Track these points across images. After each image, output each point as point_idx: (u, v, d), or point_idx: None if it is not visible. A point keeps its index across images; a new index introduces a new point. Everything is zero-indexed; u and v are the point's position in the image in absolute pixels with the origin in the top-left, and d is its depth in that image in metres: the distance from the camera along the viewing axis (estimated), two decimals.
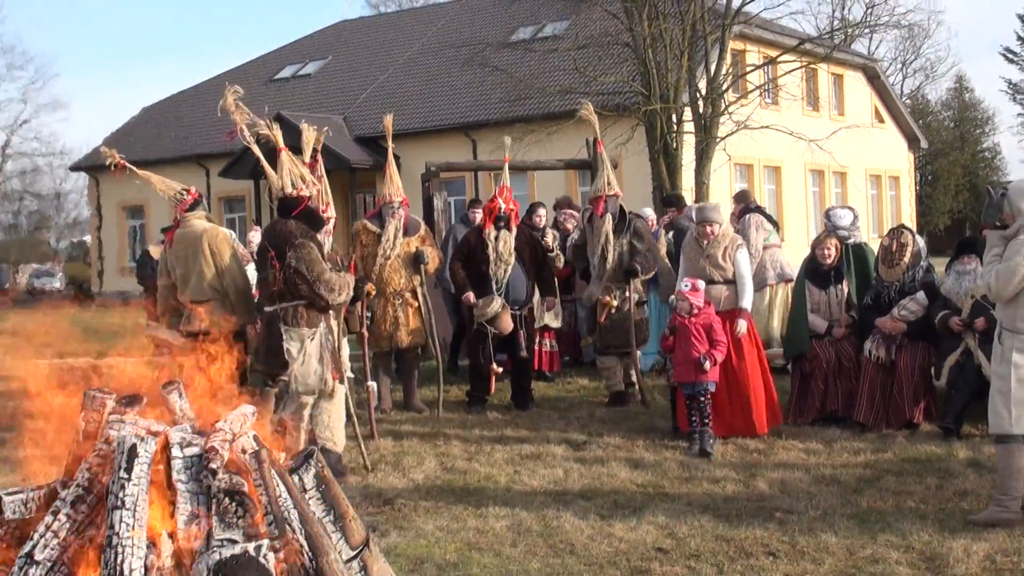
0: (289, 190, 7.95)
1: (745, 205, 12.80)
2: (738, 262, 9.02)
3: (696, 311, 8.54)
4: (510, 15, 29.14)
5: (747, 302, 9.01)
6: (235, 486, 3.09)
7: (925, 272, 9.25)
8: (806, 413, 9.29)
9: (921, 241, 9.55)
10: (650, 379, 11.23)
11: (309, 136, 8.27)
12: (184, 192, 9.00)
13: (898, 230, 9.55)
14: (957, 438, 8.39)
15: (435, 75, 32.30)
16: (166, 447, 3.23)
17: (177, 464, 3.20)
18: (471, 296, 10.27)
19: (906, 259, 9.17)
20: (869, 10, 26.40)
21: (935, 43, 79.05)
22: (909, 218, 37.39)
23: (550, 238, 11.81)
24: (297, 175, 8.02)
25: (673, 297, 9.13)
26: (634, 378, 10.57)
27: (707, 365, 8.40)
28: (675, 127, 22.10)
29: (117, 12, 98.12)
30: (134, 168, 8.87)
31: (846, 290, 9.63)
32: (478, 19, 34.30)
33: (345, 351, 9.13)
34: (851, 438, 8.54)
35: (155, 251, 11.90)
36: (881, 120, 36.58)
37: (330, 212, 9.04)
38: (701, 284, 8.69)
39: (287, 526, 3.09)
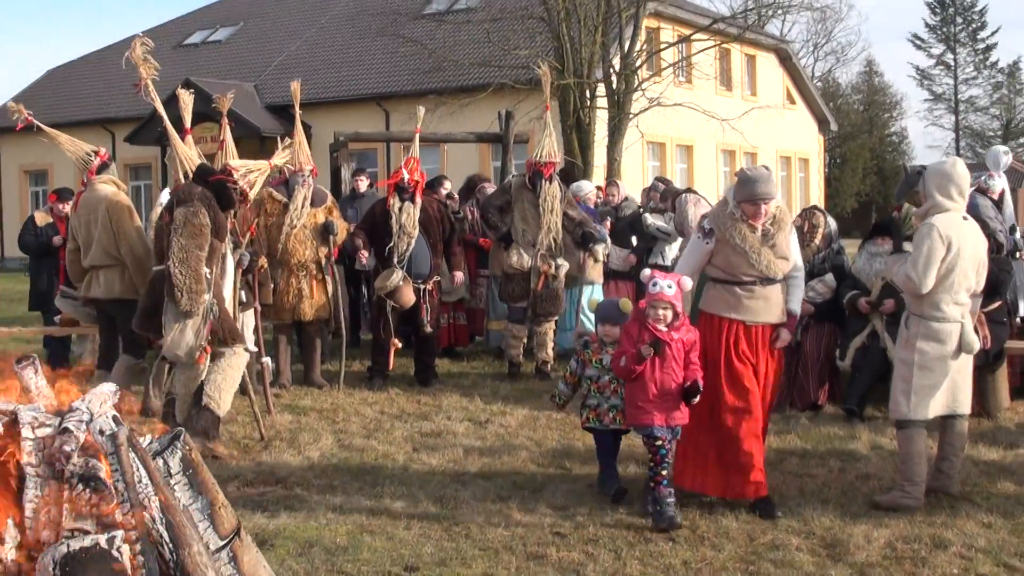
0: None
1: (674, 188, 12.64)
2: (794, 248, 6.49)
3: (679, 321, 6.16)
4: None
5: (798, 304, 6.55)
6: (90, 471, 2.84)
7: (835, 254, 9.25)
8: None
9: (833, 223, 9.52)
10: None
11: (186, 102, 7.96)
12: (92, 154, 8.72)
13: (810, 211, 9.53)
14: (860, 420, 8.40)
15: (348, 44, 31.79)
16: (15, 426, 2.96)
17: (27, 446, 2.93)
18: (365, 254, 10.10)
19: (817, 240, 9.16)
20: None
21: (846, 27, 79.99)
22: (818, 200, 37.85)
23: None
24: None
25: (620, 304, 6.74)
26: (549, 350, 10.52)
27: (696, 398, 6.09)
28: (588, 102, 21.96)
29: None
30: (43, 125, 8.51)
31: None
32: None
33: (249, 322, 8.88)
34: None
35: (40, 218, 11.51)
36: (792, 102, 36.94)
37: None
38: (688, 283, 6.23)
39: (146, 515, 2.85)
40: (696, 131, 26.84)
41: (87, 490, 2.83)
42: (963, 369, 6.33)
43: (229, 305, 7.92)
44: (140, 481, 2.90)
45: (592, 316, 11.04)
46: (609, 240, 11.58)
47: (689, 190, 12.47)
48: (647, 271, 6.38)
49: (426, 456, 7.46)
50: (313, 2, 36.41)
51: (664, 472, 6.01)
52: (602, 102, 22.32)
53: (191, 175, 7.86)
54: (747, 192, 6.26)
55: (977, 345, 6.31)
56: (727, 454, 6.23)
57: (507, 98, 20.20)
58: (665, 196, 12.46)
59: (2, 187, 36.43)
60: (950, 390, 6.26)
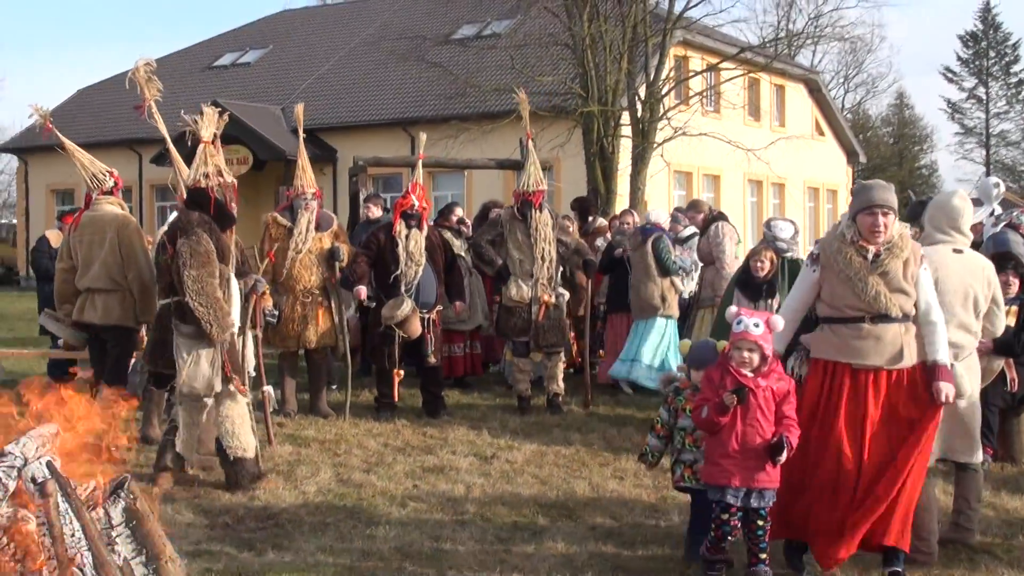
0: (201, 181, 7.37)
1: (709, 212, 12.26)
2: (924, 286, 5.55)
3: (767, 367, 5.43)
4: (455, 12, 28.69)
5: (945, 352, 5.54)
6: (15, 523, 2.61)
7: None
8: None
9: None
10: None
11: (210, 116, 7.66)
12: (107, 175, 8.51)
13: None
14: None
15: (374, 68, 31.73)
16: None
17: None
18: (363, 291, 9.79)
19: None
20: (812, 20, 26.28)
21: (877, 59, 79.81)
22: None
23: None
24: (214, 168, 7.43)
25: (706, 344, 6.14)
26: (560, 382, 10.25)
27: (783, 456, 5.32)
28: (612, 130, 21.74)
29: None
30: (62, 137, 8.35)
31: (777, 305, 9.29)
32: (422, 14, 33.69)
33: (250, 350, 8.63)
34: None
35: (53, 236, 11.28)
36: (821, 133, 36.60)
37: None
38: (779, 323, 5.51)
39: (75, 571, 2.61)
40: (723, 161, 26.56)
41: (11, 544, 2.59)
42: (956, 413, 5.94)
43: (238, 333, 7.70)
44: (73, 535, 2.66)
45: (671, 355, 10.94)
46: (693, 270, 11.32)
47: (721, 215, 12.18)
48: (732, 308, 5.68)
49: (426, 492, 7.19)
50: (342, 26, 36.47)
51: (763, 553, 5.38)
52: (626, 130, 22.07)
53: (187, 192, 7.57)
54: (863, 199, 5.48)
55: (966, 390, 5.99)
56: (820, 520, 5.47)
57: (531, 125, 19.99)
58: (696, 219, 12.02)
59: (29, 206, 36.55)
60: (941, 434, 5.84)
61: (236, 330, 7.50)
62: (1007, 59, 60.96)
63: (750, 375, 5.35)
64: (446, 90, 26.53)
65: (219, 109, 7.62)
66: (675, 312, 11.17)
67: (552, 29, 23.41)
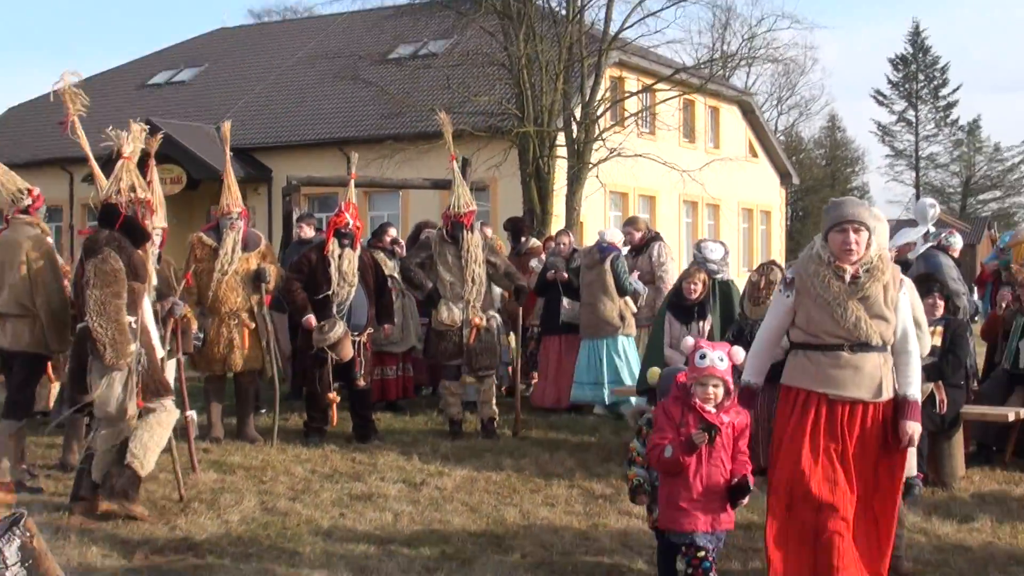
0: (113, 198, 7.16)
1: (647, 231, 12.23)
2: (904, 312, 5.28)
3: (729, 401, 5.19)
4: (392, 31, 28.57)
5: (918, 386, 5.31)
6: None
7: None
8: None
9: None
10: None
11: (136, 132, 7.43)
12: (24, 192, 8.13)
13: (768, 266, 9.07)
14: None
15: (309, 88, 31.47)
16: None
17: None
18: (312, 319, 9.60)
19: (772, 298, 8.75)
20: (746, 42, 26.54)
21: (810, 81, 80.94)
22: (779, 253, 37.80)
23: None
24: (128, 184, 7.23)
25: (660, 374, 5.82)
26: (493, 406, 10.14)
27: (745, 500, 5.18)
28: (548, 151, 21.73)
29: None
30: None
31: (709, 327, 9.27)
32: (359, 34, 33.52)
33: (170, 374, 8.40)
34: None
35: None
36: (755, 154, 36.94)
37: (157, 222, 8.37)
38: (739, 355, 5.24)
39: None
40: (659, 181, 26.66)
41: None
42: None
43: (158, 354, 7.49)
44: None
45: (627, 375, 10.82)
46: (643, 288, 11.28)
47: (658, 235, 12.22)
48: (690, 340, 5.34)
49: (353, 521, 7.02)
50: (278, 45, 36.13)
51: None
52: (562, 151, 22.07)
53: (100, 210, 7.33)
54: (834, 215, 5.20)
55: None
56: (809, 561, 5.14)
57: (467, 145, 19.89)
58: (634, 236, 11.96)
59: None
60: None
61: (160, 352, 7.30)
62: (936, 83, 62.29)
63: (712, 411, 5.09)
64: (382, 109, 26.42)
65: (150, 128, 7.43)
66: (633, 331, 11.13)
67: (488, 49, 23.38)
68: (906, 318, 5.24)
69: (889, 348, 5.20)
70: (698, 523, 5.07)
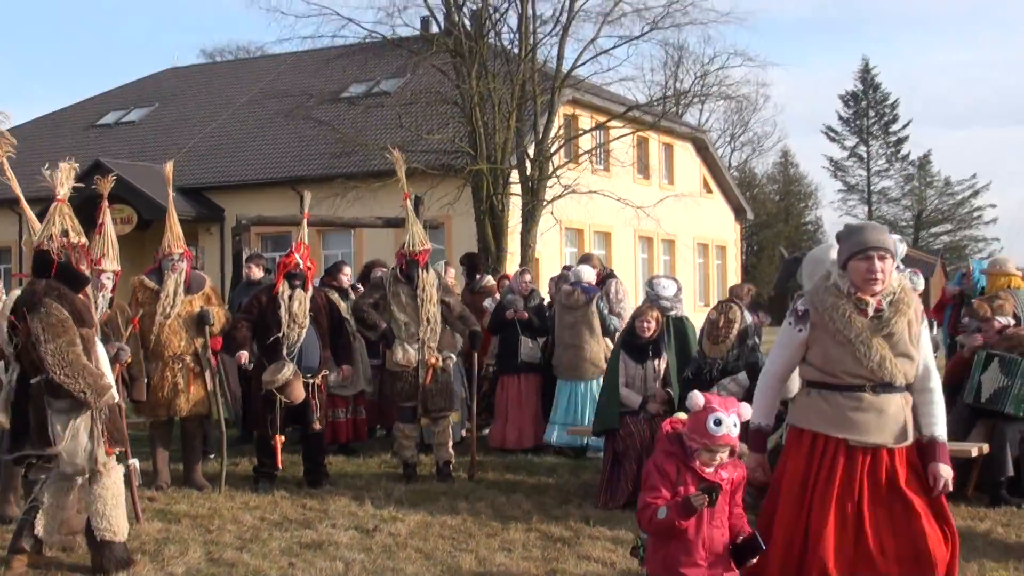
0: (44, 243, 6.85)
1: (602, 268, 12.09)
2: (924, 347, 4.90)
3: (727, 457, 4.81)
4: (344, 70, 28.43)
5: (943, 426, 4.92)
6: None
7: (751, 351, 8.67)
8: (617, 495, 8.64)
9: (749, 317, 8.96)
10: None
11: (66, 172, 7.14)
12: None
13: (727, 304, 8.85)
14: None
15: (261, 127, 31.22)
16: None
17: None
18: (244, 356, 9.38)
19: (732, 336, 8.56)
20: (699, 79, 26.63)
21: (762, 118, 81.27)
22: None
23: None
24: (60, 228, 6.92)
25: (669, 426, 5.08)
26: (450, 449, 9.88)
27: (755, 559, 4.78)
28: (501, 188, 21.61)
29: None
30: None
31: (664, 365, 9.09)
32: (310, 73, 33.31)
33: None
34: None
35: None
36: (709, 190, 37.09)
37: (109, 265, 8.12)
38: (747, 410, 4.83)
39: None
40: (614, 218, 26.61)
41: None
42: None
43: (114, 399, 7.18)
44: None
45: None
46: (617, 325, 11.04)
47: (612, 272, 12.11)
48: (700, 398, 4.75)
49: (302, 571, 6.75)
50: (229, 84, 35.87)
51: None
52: (516, 188, 21.97)
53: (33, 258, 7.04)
54: (855, 242, 4.72)
55: None
56: None
57: (420, 183, 19.72)
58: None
59: None
60: None
61: (115, 398, 7.01)
62: (886, 118, 62.93)
63: (711, 470, 4.71)
64: (333, 148, 26.22)
65: (100, 168, 7.17)
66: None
67: (441, 87, 23.31)
68: (927, 354, 4.89)
69: (910, 388, 4.84)
70: None
